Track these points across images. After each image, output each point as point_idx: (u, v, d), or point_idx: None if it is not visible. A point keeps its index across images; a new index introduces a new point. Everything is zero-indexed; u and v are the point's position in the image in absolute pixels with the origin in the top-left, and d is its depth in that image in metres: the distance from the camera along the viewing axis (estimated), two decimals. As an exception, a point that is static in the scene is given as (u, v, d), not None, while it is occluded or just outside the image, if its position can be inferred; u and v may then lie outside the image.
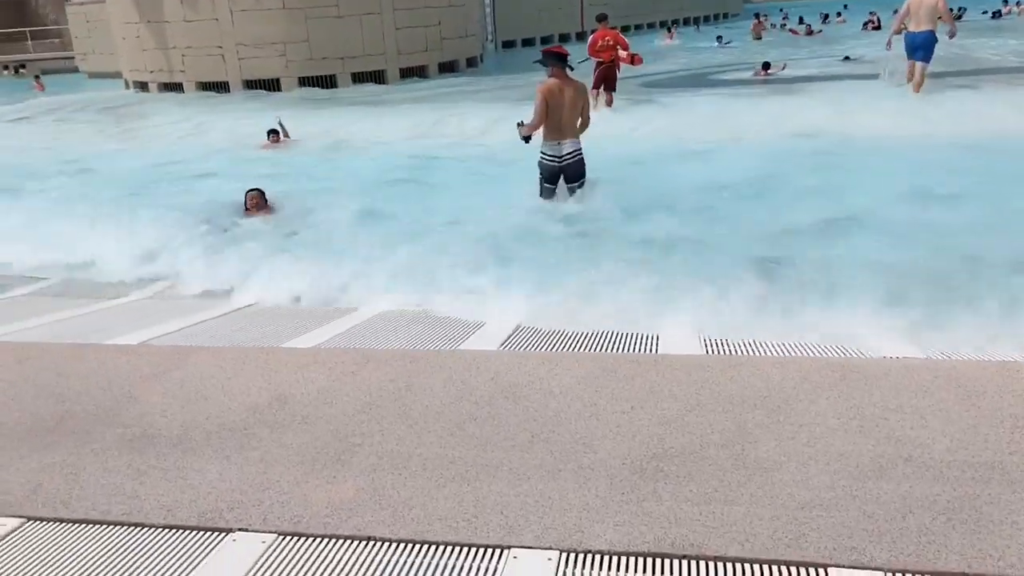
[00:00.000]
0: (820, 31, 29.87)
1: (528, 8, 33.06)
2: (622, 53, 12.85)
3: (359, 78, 21.77)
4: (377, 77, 22.00)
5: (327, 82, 21.47)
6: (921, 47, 12.18)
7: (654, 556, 2.28)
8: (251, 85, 21.54)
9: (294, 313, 5.25)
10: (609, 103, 13.18)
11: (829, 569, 2.19)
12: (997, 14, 31.00)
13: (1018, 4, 32.93)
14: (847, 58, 18.84)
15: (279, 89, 21.30)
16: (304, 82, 21.37)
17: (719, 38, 28.36)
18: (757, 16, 31.25)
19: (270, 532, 2.46)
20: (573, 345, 4.16)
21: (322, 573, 2.28)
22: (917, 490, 2.49)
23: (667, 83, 16.94)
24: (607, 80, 13.11)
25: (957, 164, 8.33)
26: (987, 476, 2.55)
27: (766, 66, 16.88)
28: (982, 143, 9.14)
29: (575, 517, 2.44)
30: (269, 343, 4.35)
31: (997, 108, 11.00)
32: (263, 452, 2.92)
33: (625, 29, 30.77)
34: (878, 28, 27.10)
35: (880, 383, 3.20)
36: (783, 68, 16.91)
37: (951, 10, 12.68)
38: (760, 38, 28.40)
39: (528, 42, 32.80)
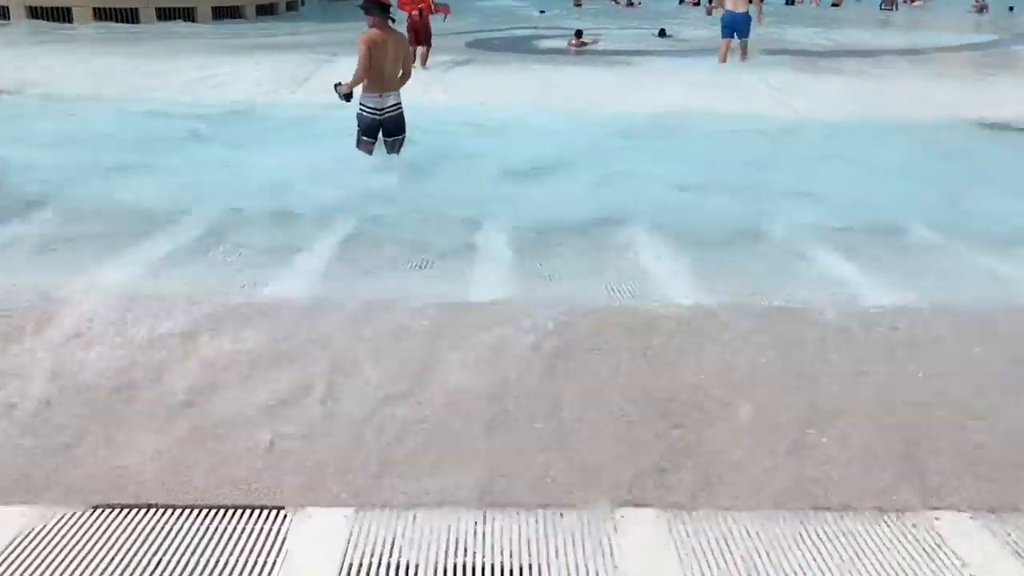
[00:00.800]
0: (640, 3, 30.00)
1: None
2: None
3: (165, 14, 19.97)
4: (187, 15, 20.29)
5: (128, 16, 19.52)
6: (740, 26, 13.28)
7: None
8: (36, 14, 19.23)
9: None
10: (424, 60, 12.62)
11: None
12: (791, 1, 33.28)
13: None
14: (663, 32, 19.60)
15: (70, 21, 19.14)
16: (101, 15, 19.34)
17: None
18: None
19: None
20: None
21: None
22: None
23: (490, 45, 16.86)
24: (417, 33, 12.50)
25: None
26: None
27: (579, 34, 16.97)
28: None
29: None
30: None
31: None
32: None
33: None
34: (697, 4, 28.32)
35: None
36: (596, 43, 17.07)
37: None
38: (580, 5, 28.47)
39: None
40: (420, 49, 12.57)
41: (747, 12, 13.21)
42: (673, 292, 4.00)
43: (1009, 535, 2.91)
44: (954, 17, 26.80)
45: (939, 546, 2.84)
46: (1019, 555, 2.81)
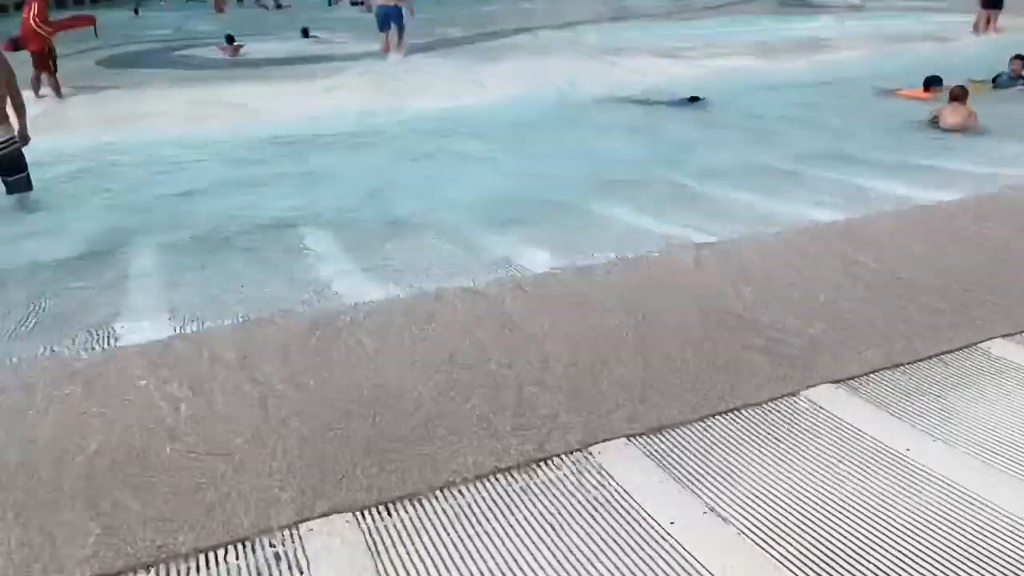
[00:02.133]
0: (290, 5, 28.09)
1: None
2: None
3: None
4: None
5: None
6: (393, 18, 14.72)
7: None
8: None
9: None
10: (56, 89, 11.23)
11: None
12: None
13: None
14: (305, 32, 18.33)
15: None
16: None
17: (136, 11, 25.65)
18: None
19: None
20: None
21: None
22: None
23: (127, 61, 15.04)
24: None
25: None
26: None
27: (230, 39, 15.64)
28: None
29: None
30: None
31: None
32: None
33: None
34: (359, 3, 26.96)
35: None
36: (237, 51, 15.65)
37: None
38: (223, 11, 25.94)
39: None
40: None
41: (397, 5, 14.64)
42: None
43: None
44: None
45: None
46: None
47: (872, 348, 3.69)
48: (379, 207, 6.28)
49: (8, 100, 6.09)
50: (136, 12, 25.57)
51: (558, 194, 6.48)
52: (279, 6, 28.18)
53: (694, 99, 10.53)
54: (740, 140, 8.58)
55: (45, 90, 11.11)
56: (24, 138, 6.32)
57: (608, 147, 8.27)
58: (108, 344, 3.65)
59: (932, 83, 10.54)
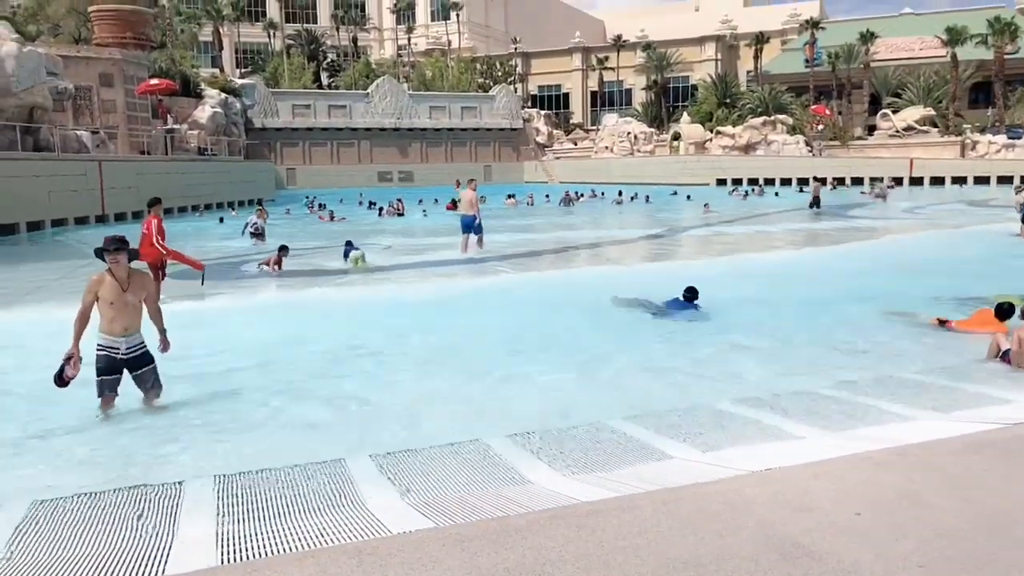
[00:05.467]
0: (344, 218, 31.93)
1: (32, 188, 26.78)
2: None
3: None
4: None
5: None
6: (470, 225, 18.36)
7: None
8: None
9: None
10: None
11: None
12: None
13: None
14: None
15: None
16: None
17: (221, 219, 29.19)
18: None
19: None
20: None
21: None
22: None
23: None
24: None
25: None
26: None
27: (283, 250, 16.13)
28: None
29: None
30: None
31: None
32: None
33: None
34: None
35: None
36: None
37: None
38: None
39: (34, 225, 26.90)
40: None
41: (474, 215, 18.30)
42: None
43: None
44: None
45: None
46: None
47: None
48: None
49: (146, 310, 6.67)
50: (221, 220, 27.93)
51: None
52: (332, 218, 31.25)
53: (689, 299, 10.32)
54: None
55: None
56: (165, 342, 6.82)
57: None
58: None
59: (1006, 313, 8.95)
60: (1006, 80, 55.00)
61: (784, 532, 3.54)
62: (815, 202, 31.65)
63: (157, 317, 6.74)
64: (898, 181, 48.76)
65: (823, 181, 39.10)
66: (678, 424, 6.11)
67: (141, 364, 6.66)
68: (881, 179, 46.05)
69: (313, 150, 57.50)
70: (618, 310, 10.98)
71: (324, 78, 68.46)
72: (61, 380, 6.38)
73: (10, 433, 6.32)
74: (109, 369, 6.51)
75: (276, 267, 15.66)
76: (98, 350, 6.52)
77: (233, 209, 37.33)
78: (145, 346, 6.71)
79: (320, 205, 36.88)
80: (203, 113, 44.72)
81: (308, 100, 57.66)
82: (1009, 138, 50.32)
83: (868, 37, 58.42)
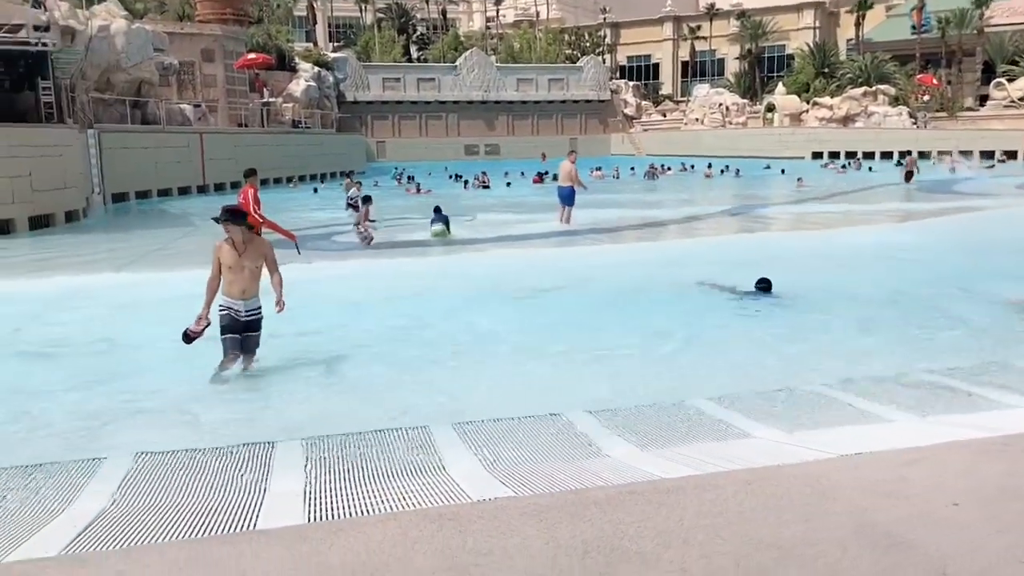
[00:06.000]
0: (429, 190, 31.55)
1: (140, 159, 28.24)
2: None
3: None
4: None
5: None
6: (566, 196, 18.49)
7: None
8: None
9: None
10: None
11: None
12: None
13: None
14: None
15: None
16: None
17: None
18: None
19: None
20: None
21: None
22: None
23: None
24: None
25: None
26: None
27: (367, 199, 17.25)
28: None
29: None
30: None
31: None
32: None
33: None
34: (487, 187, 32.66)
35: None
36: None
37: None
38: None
39: (143, 195, 28.58)
40: None
41: (571, 186, 18.33)
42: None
43: None
44: None
45: None
46: None
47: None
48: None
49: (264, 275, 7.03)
50: (315, 191, 28.80)
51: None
52: (418, 191, 31.67)
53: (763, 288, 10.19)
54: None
55: None
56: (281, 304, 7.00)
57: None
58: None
59: None
60: None
61: (875, 519, 3.40)
62: (908, 176, 30.88)
63: (276, 279, 7.04)
64: (1011, 155, 45.76)
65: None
66: (761, 404, 5.98)
67: (253, 328, 7.01)
68: (950, 152, 43.39)
69: (402, 123, 58.18)
70: (699, 290, 10.81)
71: (413, 51, 68.94)
72: (186, 336, 6.86)
73: (120, 387, 6.79)
74: (231, 327, 6.87)
75: (365, 219, 16.67)
76: (220, 310, 6.89)
77: (323, 181, 38.29)
78: (261, 313, 7.05)
79: (409, 177, 37.46)
80: (297, 86, 46.02)
81: (398, 73, 58.27)
82: None
83: (983, 0, 54.80)
